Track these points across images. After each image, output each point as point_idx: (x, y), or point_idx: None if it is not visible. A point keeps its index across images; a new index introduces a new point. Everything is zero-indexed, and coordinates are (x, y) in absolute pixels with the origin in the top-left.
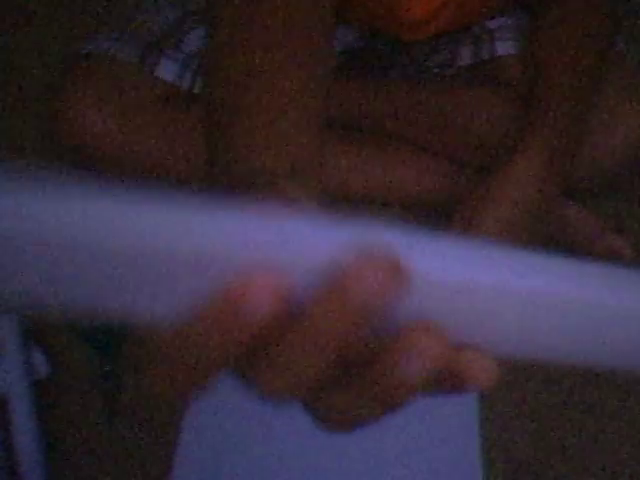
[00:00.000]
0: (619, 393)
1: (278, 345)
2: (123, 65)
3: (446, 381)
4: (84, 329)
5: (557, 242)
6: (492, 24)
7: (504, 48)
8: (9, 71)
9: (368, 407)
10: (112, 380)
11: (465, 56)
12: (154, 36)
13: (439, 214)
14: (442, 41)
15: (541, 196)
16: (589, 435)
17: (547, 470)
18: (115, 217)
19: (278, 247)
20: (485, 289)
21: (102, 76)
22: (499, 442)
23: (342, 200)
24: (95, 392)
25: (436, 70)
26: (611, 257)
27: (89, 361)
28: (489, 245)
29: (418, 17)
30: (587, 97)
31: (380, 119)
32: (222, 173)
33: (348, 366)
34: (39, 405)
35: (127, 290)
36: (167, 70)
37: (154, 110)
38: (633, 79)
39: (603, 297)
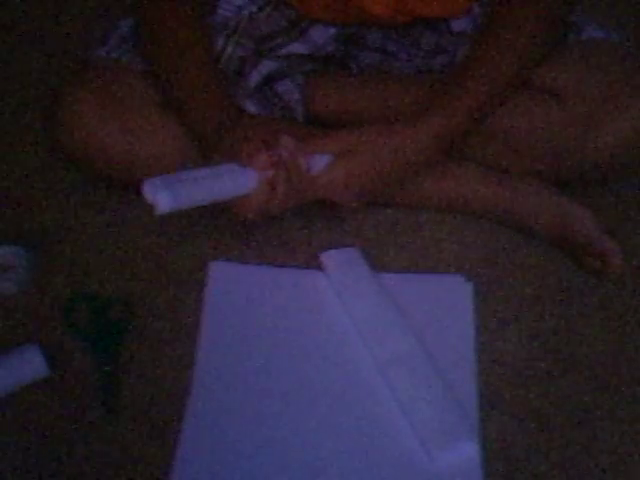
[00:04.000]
0: (619, 393)
1: None
2: (124, 70)
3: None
4: (84, 329)
5: (558, 240)
6: None
7: None
8: (12, 75)
9: None
10: (112, 380)
11: (464, 54)
12: None
13: None
14: (442, 42)
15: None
16: (589, 435)
17: (547, 470)
18: None
19: None
20: None
21: (102, 82)
22: (499, 440)
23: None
24: (95, 392)
25: (438, 68)
26: (602, 262)
27: (89, 361)
28: None
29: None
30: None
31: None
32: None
33: None
34: (39, 405)
35: None
36: None
37: (152, 114)
38: (637, 70)
39: None
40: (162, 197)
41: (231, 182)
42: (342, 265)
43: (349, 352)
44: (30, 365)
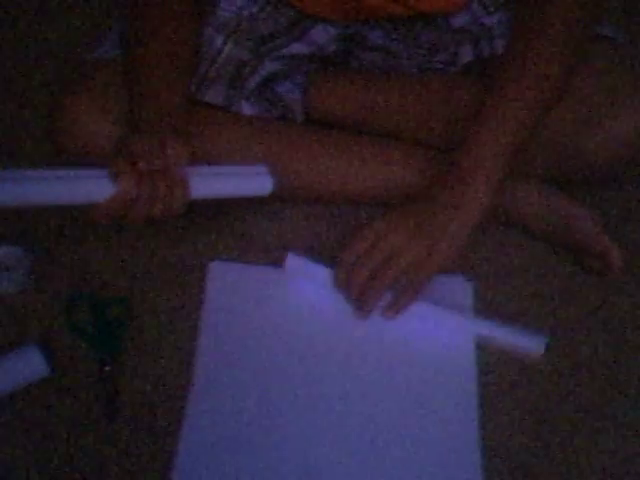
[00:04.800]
0: (619, 393)
1: None
2: (121, 69)
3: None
4: (84, 329)
5: (558, 239)
6: (489, 21)
7: (504, 45)
8: (13, 75)
9: None
10: (112, 380)
11: (466, 54)
12: None
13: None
14: (444, 39)
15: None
16: (588, 435)
17: (547, 470)
18: None
19: None
20: None
21: (99, 82)
22: (499, 442)
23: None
24: (95, 392)
25: (440, 67)
26: (602, 262)
27: (89, 361)
28: None
29: None
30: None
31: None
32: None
33: None
34: (39, 405)
35: None
36: None
37: None
38: (637, 68)
39: None
40: None
41: (79, 187)
42: (305, 277)
43: (349, 350)
44: (30, 365)
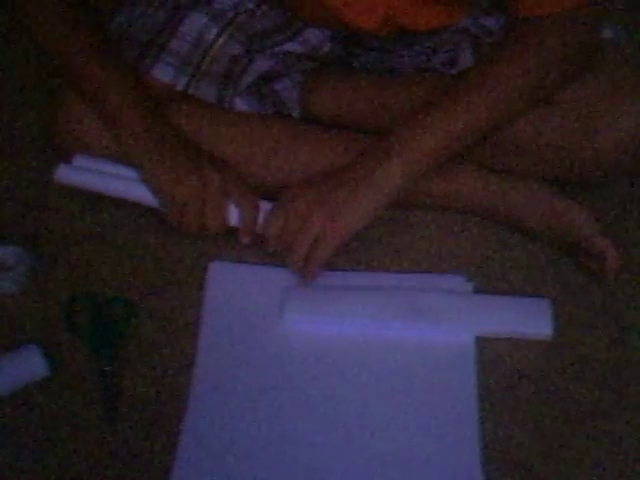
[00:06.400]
0: (619, 393)
1: None
2: None
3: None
4: (84, 329)
5: (556, 240)
6: (489, 22)
7: None
8: (10, 74)
9: None
10: (112, 380)
11: (467, 58)
12: (148, 34)
13: None
14: (443, 40)
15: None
16: (589, 435)
17: (547, 470)
18: None
19: None
20: None
21: None
22: (499, 442)
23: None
24: (95, 392)
25: (439, 68)
26: (601, 263)
27: (89, 361)
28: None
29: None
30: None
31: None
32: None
33: None
34: (39, 405)
35: None
36: (163, 72)
37: None
38: (636, 71)
39: None
40: (59, 169)
41: (139, 191)
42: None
43: (348, 350)
44: (30, 365)
